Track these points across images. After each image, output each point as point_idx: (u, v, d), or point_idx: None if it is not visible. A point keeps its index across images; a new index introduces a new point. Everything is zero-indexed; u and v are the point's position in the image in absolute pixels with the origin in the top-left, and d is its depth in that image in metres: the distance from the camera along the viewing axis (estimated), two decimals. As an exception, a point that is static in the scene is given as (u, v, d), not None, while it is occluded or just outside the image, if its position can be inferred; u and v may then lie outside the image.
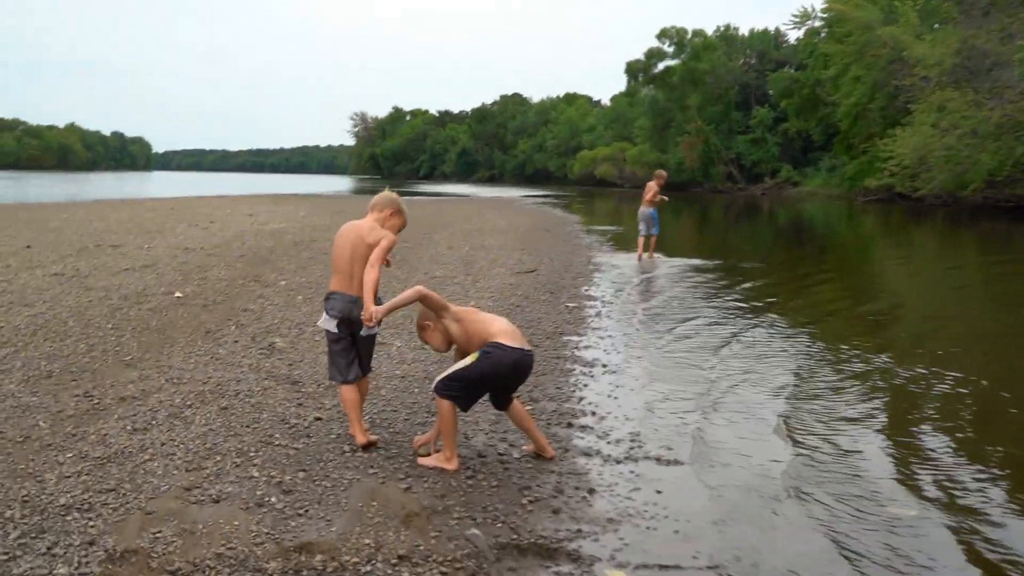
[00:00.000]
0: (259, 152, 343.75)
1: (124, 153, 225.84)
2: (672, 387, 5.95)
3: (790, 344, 7.58)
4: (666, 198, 14.51)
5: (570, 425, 4.92)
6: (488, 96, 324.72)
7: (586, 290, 10.39)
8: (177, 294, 8.89)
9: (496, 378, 4.04)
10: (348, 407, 4.39)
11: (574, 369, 6.33)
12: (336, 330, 4.29)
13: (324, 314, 4.33)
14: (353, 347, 4.35)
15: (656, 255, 14.29)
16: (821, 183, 53.99)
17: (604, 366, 6.46)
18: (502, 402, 4.25)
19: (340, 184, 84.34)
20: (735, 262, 14.70)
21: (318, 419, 4.79)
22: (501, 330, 4.08)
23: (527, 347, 4.13)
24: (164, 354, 6.31)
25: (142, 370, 5.81)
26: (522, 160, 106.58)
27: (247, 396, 5.22)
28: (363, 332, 4.27)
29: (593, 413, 5.20)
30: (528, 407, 4.87)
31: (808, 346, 7.57)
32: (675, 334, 7.97)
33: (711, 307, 9.76)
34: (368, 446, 4.32)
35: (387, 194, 4.46)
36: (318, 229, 17.34)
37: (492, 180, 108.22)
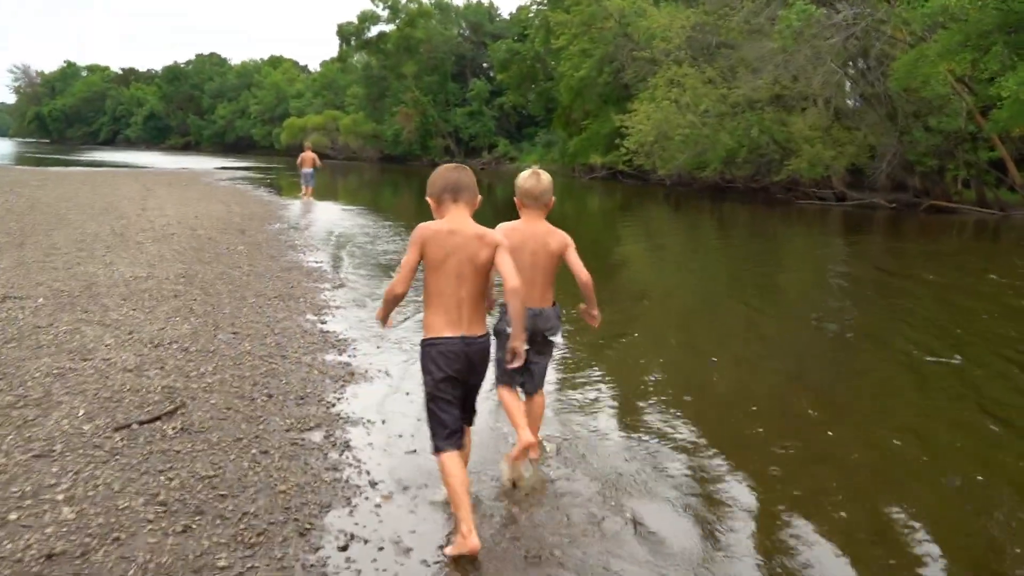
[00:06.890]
0: None
1: None
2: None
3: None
4: (320, 164, 23.34)
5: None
6: (181, 55, 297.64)
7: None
8: None
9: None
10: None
11: None
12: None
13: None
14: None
15: (310, 197, 21.41)
16: (537, 159, 53.21)
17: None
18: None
19: (-8, 148, 69.49)
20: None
21: None
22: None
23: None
24: None
25: None
26: (222, 127, 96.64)
27: None
28: None
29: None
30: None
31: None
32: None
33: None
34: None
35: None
36: None
37: (188, 148, 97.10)
